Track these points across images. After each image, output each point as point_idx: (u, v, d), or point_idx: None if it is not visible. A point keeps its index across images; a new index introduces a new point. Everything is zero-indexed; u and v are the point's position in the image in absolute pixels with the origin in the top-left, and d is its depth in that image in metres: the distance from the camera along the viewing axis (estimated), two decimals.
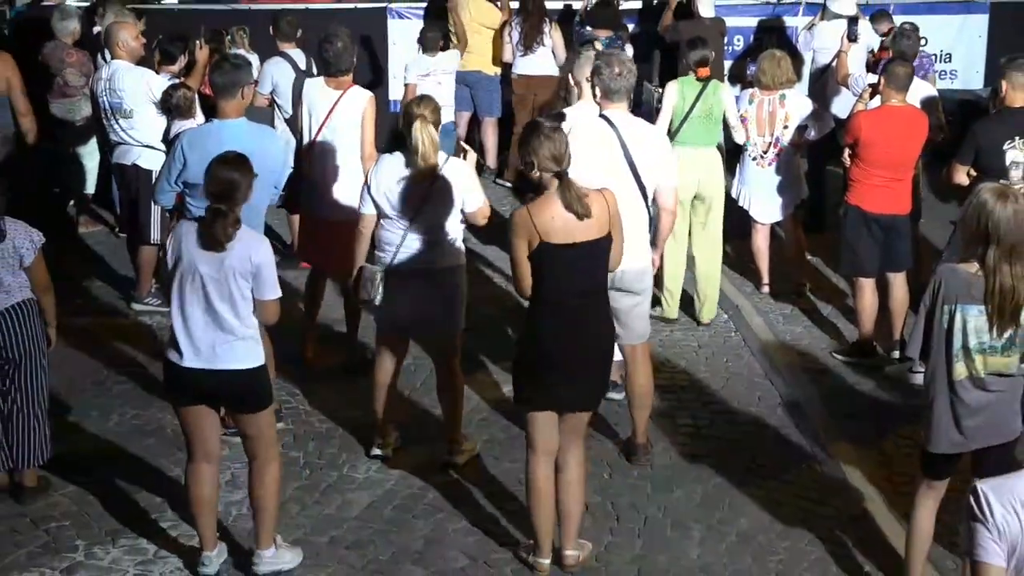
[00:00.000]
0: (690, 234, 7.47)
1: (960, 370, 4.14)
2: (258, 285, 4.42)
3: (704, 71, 7.41)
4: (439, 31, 9.87)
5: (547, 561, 4.83)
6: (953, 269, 4.19)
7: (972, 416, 4.22)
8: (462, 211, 5.54)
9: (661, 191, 5.61)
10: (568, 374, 4.62)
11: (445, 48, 10.09)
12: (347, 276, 6.01)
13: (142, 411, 6.32)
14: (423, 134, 5.26)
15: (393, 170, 5.42)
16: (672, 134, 7.19)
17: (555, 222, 4.38)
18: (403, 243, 5.48)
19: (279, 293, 4.52)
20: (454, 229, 5.56)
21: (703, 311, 7.58)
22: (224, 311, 4.42)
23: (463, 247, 5.72)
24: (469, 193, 5.53)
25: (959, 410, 4.21)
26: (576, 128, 5.33)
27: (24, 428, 5.21)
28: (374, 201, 5.47)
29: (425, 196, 5.40)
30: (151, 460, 5.75)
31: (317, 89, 6.78)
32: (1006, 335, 4.08)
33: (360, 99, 6.61)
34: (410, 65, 9.94)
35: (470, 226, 5.96)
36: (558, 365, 4.60)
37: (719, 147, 7.49)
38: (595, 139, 5.41)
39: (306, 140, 6.74)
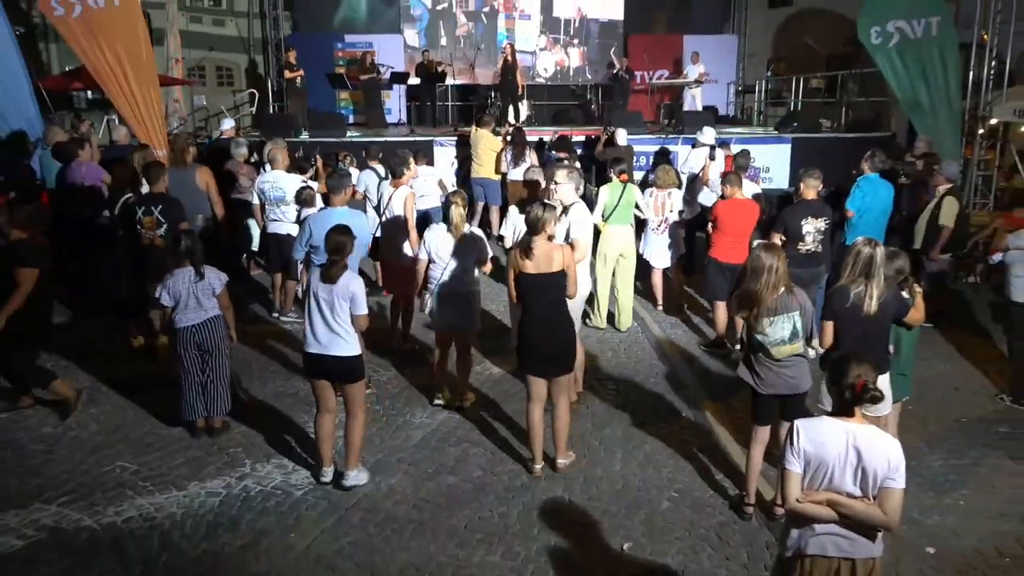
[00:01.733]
0: (614, 274, 7.45)
1: (774, 353, 4.21)
2: (354, 305, 4.48)
3: (623, 177, 7.41)
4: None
5: (539, 466, 4.89)
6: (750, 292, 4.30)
7: (773, 379, 4.31)
8: (477, 259, 5.54)
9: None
10: (547, 353, 4.72)
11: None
12: (410, 297, 6.06)
13: (285, 382, 6.33)
14: (455, 213, 5.39)
15: (439, 234, 5.49)
16: (606, 218, 7.23)
17: (527, 262, 4.59)
18: (443, 277, 5.49)
19: (366, 311, 4.57)
20: (472, 270, 5.56)
21: (621, 322, 7.56)
22: (334, 321, 4.45)
23: (478, 279, 5.73)
24: (482, 249, 5.54)
25: (771, 374, 4.29)
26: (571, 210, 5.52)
27: (215, 390, 5.28)
28: (428, 251, 5.52)
29: (456, 249, 5.43)
30: (290, 414, 5.76)
31: (385, 187, 6.91)
32: (790, 332, 4.15)
33: (403, 193, 6.62)
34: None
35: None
36: (540, 347, 4.70)
37: (631, 224, 7.45)
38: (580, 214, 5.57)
39: (384, 218, 6.80)
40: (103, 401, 5.93)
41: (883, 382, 4.33)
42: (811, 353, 4.43)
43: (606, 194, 7.30)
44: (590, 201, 7.20)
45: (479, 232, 5.66)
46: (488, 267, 5.62)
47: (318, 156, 9.05)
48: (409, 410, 5.84)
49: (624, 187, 7.29)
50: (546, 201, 4.98)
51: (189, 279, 5.07)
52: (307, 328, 4.57)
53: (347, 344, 4.55)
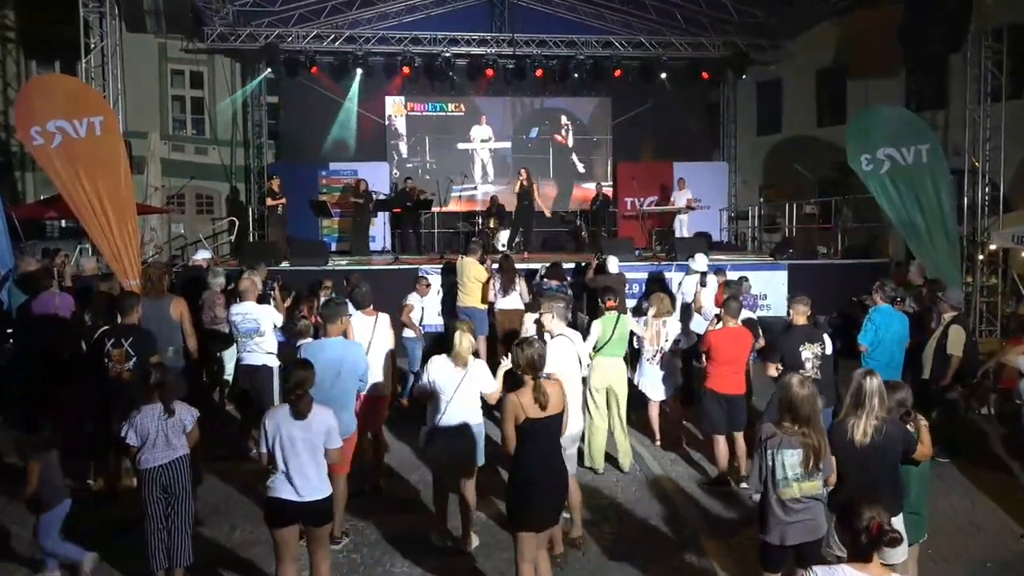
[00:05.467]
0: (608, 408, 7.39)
1: (785, 492, 4.13)
2: (330, 439, 4.55)
3: (611, 303, 7.40)
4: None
5: None
6: (771, 426, 4.22)
7: (791, 521, 4.16)
8: (481, 391, 5.53)
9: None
10: (542, 496, 4.55)
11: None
12: (378, 430, 6.11)
13: (256, 527, 6.07)
14: (462, 340, 5.42)
15: (442, 363, 5.49)
16: (598, 350, 7.23)
17: (535, 405, 4.44)
18: (445, 409, 5.45)
19: (341, 443, 4.60)
20: (477, 401, 5.53)
21: (622, 463, 7.41)
22: (312, 462, 4.53)
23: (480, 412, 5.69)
24: (487, 381, 5.53)
25: (781, 517, 4.16)
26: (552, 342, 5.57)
27: (179, 538, 5.09)
28: (431, 383, 5.50)
29: (460, 380, 5.43)
30: (262, 565, 5.55)
31: (358, 319, 6.68)
32: (810, 468, 4.09)
33: (386, 322, 6.69)
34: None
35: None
36: (543, 498, 4.56)
37: (624, 357, 7.45)
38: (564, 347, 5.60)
39: None
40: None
41: (898, 523, 4.25)
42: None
43: (599, 328, 7.29)
44: (581, 330, 7.27)
45: (481, 362, 5.62)
46: (495, 397, 5.46)
47: (276, 284, 9.11)
48: (388, 559, 5.66)
49: (617, 318, 7.32)
50: (536, 335, 5.02)
51: (158, 416, 5.01)
52: (279, 474, 4.47)
53: (323, 485, 4.49)
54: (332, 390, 5.39)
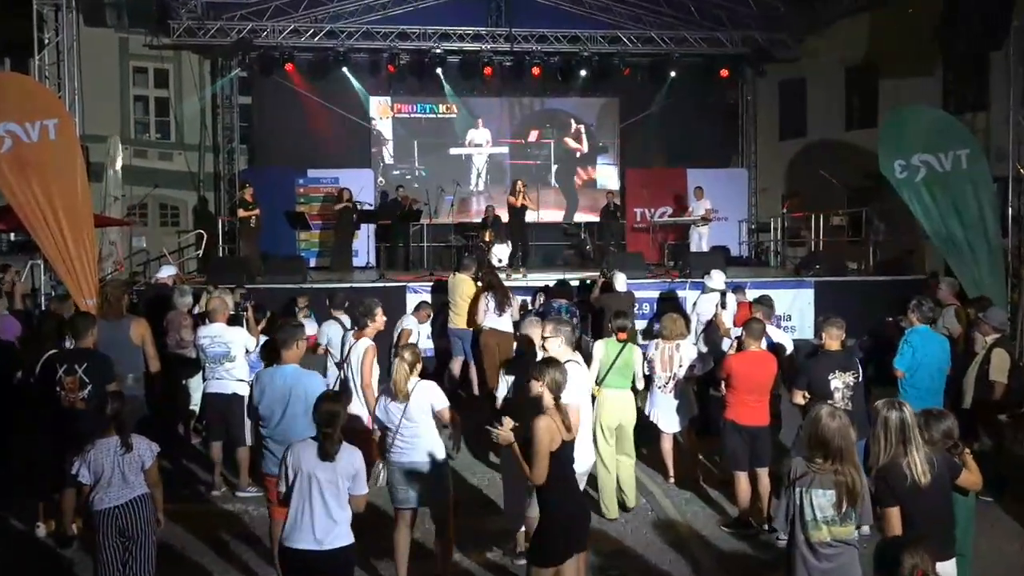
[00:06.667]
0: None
1: (814, 534, 4.10)
2: (356, 484, 4.53)
3: (623, 335, 7.38)
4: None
5: None
6: (800, 462, 4.19)
7: (821, 567, 4.14)
8: (436, 415, 5.49)
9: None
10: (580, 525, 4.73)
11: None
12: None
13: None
14: (398, 371, 5.44)
15: (383, 399, 5.55)
16: (600, 380, 7.21)
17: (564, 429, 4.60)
18: (394, 443, 5.45)
19: (367, 489, 4.63)
20: (431, 432, 5.47)
21: (627, 499, 7.37)
22: (338, 507, 4.51)
23: (441, 443, 5.62)
24: (436, 399, 5.48)
25: (811, 563, 4.13)
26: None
27: None
28: (377, 417, 5.57)
29: (405, 411, 5.42)
30: None
31: (349, 339, 6.97)
32: (843, 512, 4.06)
33: (362, 346, 6.66)
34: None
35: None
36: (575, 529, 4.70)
37: (633, 388, 7.41)
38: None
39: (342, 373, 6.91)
40: None
41: (948, 569, 4.18)
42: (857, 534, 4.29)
43: (601, 351, 7.28)
44: (586, 354, 7.27)
45: (427, 383, 5.54)
46: (447, 417, 5.52)
47: (249, 304, 9.11)
48: None
49: (623, 346, 7.29)
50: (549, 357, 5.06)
51: (114, 450, 4.97)
52: (298, 519, 4.42)
53: (345, 532, 4.48)
54: (280, 426, 5.37)
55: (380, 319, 6.85)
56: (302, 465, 4.43)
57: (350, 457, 4.48)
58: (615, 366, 7.21)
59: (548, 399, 4.63)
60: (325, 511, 4.39)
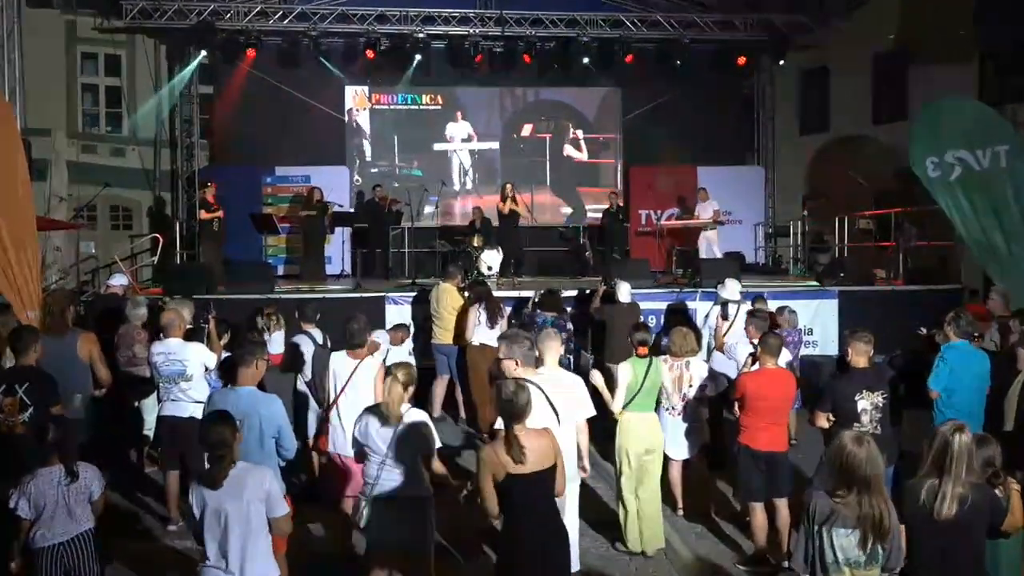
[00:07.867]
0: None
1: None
2: (271, 506, 4.47)
3: (643, 350, 7.35)
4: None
5: None
6: (822, 496, 4.18)
7: None
8: (422, 455, 5.32)
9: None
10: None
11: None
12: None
13: None
14: (391, 390, 5.26)
15: (371, 419, 5.32)
16: (626, 404, 7.14)
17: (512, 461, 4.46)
18: (379, 475, 5.27)
19: (287, 509, 4.58)
20: (419, 466, 5.29)
21: (645, 542, 7.18)
22: (251, 537, 4.43)
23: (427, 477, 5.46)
24: (426, 439, 5.33)
25: None
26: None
27: None
28: (359, 442, 5.35)
29: (394, 439, 5.24)
30: None
31: (340, 359, 6.80)
32: (869, 551, 4.05)
33: (373, 367, 6.64)
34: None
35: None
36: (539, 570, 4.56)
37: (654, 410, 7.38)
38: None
39: (332, 398, 6.75)
40: None
41: None
42: None
43: (628, 374, 7.18)
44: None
45: (422, 416, 5.42)
46: (437, 467, 5.35)
47: (211, 316, 9.04)
48: None
49: (649, 363, 7.23)
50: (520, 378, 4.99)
51: (57, 480, 4.96)
52: (211, 559, 4.37)
53: (269, 566, 4.42)
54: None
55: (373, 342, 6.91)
56: (207, 500, 4.36)
57: (255, 477, 4.39)
58: (644, 388, 7.14)
59: (498, 425, 4.57)
60: (240, 544, 4.32)
